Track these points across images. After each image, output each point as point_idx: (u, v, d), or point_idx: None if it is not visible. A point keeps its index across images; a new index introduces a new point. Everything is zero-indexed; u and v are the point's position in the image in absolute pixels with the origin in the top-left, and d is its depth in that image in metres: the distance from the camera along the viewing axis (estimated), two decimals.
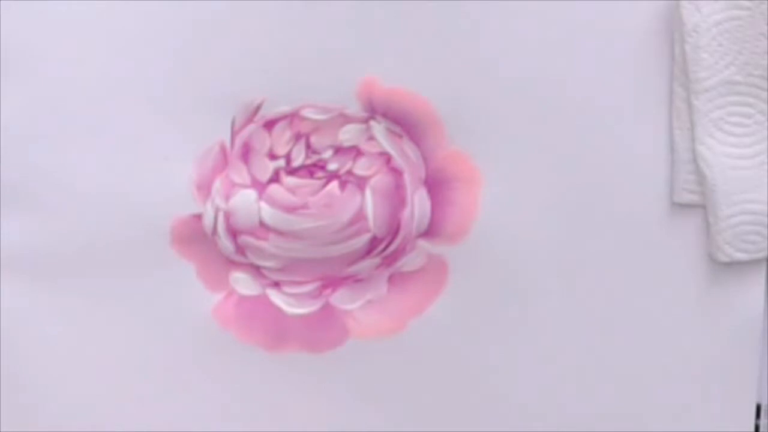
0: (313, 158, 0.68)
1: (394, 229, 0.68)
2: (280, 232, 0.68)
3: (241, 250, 0.68)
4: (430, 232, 0.69)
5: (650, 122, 0.68)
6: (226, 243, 0.68)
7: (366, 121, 0.67)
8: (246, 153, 0.67)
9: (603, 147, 0.68)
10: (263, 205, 0.68)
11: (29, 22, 0.65)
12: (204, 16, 0.65)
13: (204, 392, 0.69)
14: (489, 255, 0.69)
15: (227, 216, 0.68)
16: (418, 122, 0.67)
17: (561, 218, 0.69)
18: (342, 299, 0.69)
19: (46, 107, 0.66)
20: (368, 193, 0.68)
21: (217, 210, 0.68)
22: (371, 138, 0.68)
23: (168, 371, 0.69)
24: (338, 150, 0.68)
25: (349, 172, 0.68)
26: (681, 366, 0.70)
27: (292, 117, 0.67)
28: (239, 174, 0.68)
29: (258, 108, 0.67)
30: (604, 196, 0.68)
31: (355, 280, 0.69)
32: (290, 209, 0.68)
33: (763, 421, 0.71)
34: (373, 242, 0.68)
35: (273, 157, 0.67)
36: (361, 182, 0.68)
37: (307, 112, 0.67)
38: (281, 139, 0.67)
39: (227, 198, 0.68)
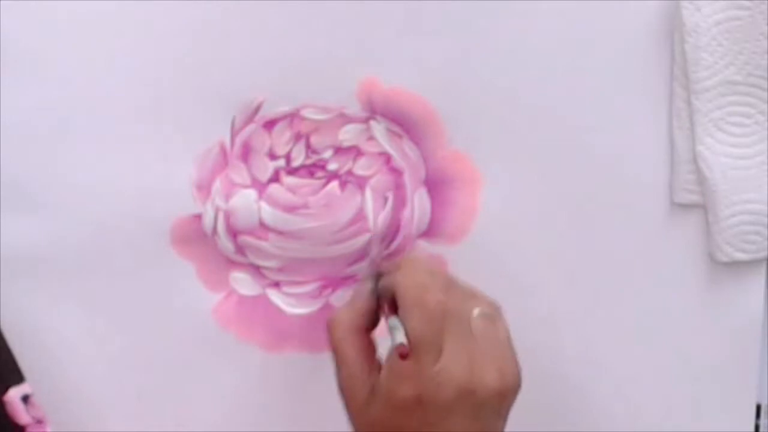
0: (313, 158, 0.68)
1: (394, 229, 0.68)
2: (280, 232, 0.68)
3: (241, 250, 0.68)
4: (430, 232, 0.69)
5: (650, 122, 0.68)
6: (226, 243, 0.68)
7: (366, 121, 0.67)
8: (246, 153, 0.67)
9: (603, 147, 0.68)
10: (263, 205, 0.68)
11: (29, 22, 0.65)
12: (204, 16, 0.65)
13: (204, 392, 0.69)
14: (489, 255, 0.69)
15: (227, 216, 0.68)
16: (418, 122, 0.67)
17: (561, 218, 0.69)
18: (342, 299, 0.69)
19: (46, 107, 0.66)
20: (368, 193, 0.68)
21: (217, 210, 0.68)
22: (371, 138, 0.68)
23: (168, 371, 0.69)
24: (338, 150, 0.68)
25: (349, 172, 0.68)
26: (681, 366, 0.70)
27: (292, 117, 0.67)
28: (239, 174, 0.68)
29: (258, 108, 0.67)
30: (604, 196, 0.68)
31: (355, 280, 0.69)
32: (290, 209, 0.68)
33: (763, 421, 0.71)
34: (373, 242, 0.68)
35: (273, 157, 0.67)
36: (361, 182, 0.68)
37: (307, 112, 0.67)
38: (281, 139, 0.67)
39: (227, 198, 0.68)
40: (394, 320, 0.58)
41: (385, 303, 0.60)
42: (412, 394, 0.55)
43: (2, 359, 0.67)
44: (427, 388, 0.55)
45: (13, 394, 0.67)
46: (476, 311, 0.58)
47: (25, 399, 0.67)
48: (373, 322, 0.61)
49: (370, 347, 0.60)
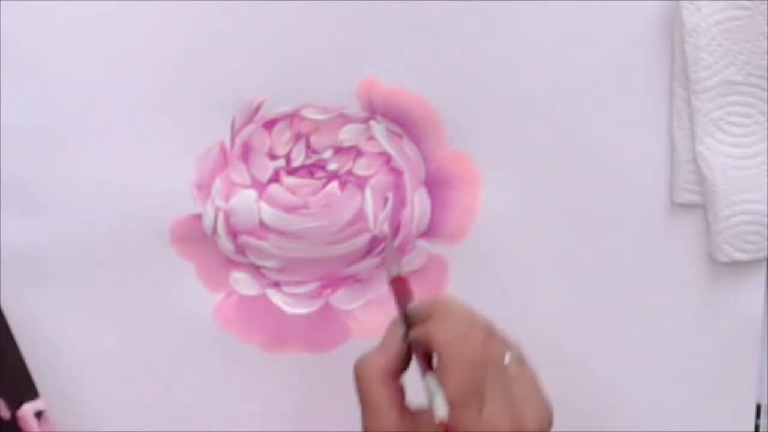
0: (313, 158, 0.68)
1: (394, 229, 0.68)
2: (280, 232, 0.68)
3: (241, 250, 0.68)
4: (430, 232, 0.69)
5: (650, 122, 0.68)
6: (226, 243, 0.68)
7: (366, 121, 0.67)
8: (246, 153, 0.67)
9: (603, 147, 0.68)
10: (263, 205, 0.68)
11: (29, 22, 0.65)
12: (204, 16, 0.65)
13: (204, 392, 0.69)
14: (489, 255, 0.69)
15: (227, 216, 0.68)
16: (418, 122, 0.67)
17: (561, 218, 0.69)
18: (342, 299, 0.69)
19: (46, 107, 0.66)
20: (368, 193, 0.68)
21: (217, 210, 0.68)
22: (371, 138, 0.68)
23: (168, 371, 0.69)
24: (338, 150, 0.68)
25: (349, 172, 0.68)
26: (681, 366, 0.70)
27: (292, 117, 0.67)
28: (239, 174, 0.68)
29: (258, 108, 0.67)
30: (604, 196, 0.68)
31: (355, 280, 0.69)
32: (290, 209, 0.68)
33: (763, 421, 0.71)
34: (373, 242, 0.68)
35: (273, 157, 0.67)
36: (361, 182, 0.68)
37: (307, 112, 0.67)
38: (281, 139, 0.67)
39: (227, 198, 0.68)
40: (431, 382, 0.56)
41: (418, 353, 0.58)
42: None
43: (17, 374, 0.66)
44: None
45: (27, 409, 0.67)
46: (507, 356, 0.57)
47: (38, 415, 0.67)
48: (404, 367, 0.58)
49: (400, 393, 0.57)
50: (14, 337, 0.67)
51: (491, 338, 0.57)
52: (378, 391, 0.57)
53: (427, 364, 0.57)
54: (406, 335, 0.58)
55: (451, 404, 0.55)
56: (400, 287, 0.61)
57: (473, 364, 0.55)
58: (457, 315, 0.58)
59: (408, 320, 0.59)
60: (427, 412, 0.55)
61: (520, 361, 0.58)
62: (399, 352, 0.58)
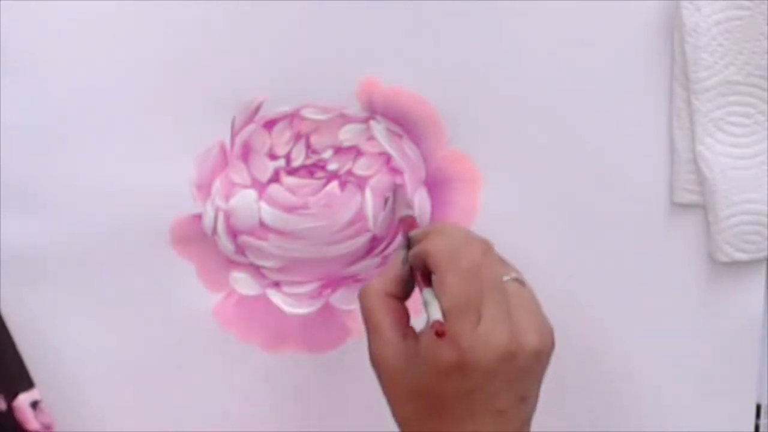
0: (313, 158, 0.68)
1: (394, 229, 0.68)
2: (280, 232, 0.68)
3: (241, 250, 0.68)
4: None
5: (650, 122, 0.68)
6: (226, 243, 0.68)
7: (366, 121, 0.67)
8: (246, 153, 0.67)
9: (603, 147, 0.68)
10: (263, 205, 0.68)
11: (30, 22, 0.65)
12: (204, 16, 0.65)
13: (204, 392, 0.69)
14: None
15: (227, 216, 0.68)
16: (418, 122, 0.67)
17: (561, 218, 0.69)
18: (342, 299, 0.69)
19: (46, 107, 0.66)
20: (368, 193, 0.68)
21: (217, 210, 0.68)
22: (371, 138, 0.68)
23: (168, 371, 0.69)
24: (338, 150, 0.68)
25: (349, 172, 0.68)
26: (681, 366, 0.70)
27: (292, 117, 0.67)
28: (239, 174, 0.68)
29: (258, 108, 0.67)
30: (604, 196, 0.68)
31: (355, 280, 0.69)
32: (290, 209, 0.68)
33: (763, 421, 0.71)
34: (373, 242, 0.68)
35: (273, 157, 0.68)
36: (361, 182, 0.68)
37: (307, 112, 0.67)
38: (281, 139, 0.67)
39: (227, 198, 0.68)
40: (427, 293, 0.56)
41: (417, 273, 0.58)
42: (456, 358, 0.54)
43: (12, 365, 0.67)
44: (469, 352, 0.54)
45: (23, 400, 0.67)
46: (506, 277, 0.57)
47: (34, 405, 0.67)
48: (406, 292, 0.59)
49: (403, 315, 0.58)
50: (7, 328, 0.67)
51: (489, 254, 0.57)
52: (379, 312, 0.57)
53: (425, 281, 0.57)
54: (406, 259, 0.59)
55: (446, 315, 0.54)
56: (407, 223, 0.63)
57: (468, 272, 0.55)
58: (452, 232, 0.58)
59: (409, 244, 0.60)
60: (430, 330, 0.54)
61: (520, 281, 0.58)
62: (400, 274, 0.59)
